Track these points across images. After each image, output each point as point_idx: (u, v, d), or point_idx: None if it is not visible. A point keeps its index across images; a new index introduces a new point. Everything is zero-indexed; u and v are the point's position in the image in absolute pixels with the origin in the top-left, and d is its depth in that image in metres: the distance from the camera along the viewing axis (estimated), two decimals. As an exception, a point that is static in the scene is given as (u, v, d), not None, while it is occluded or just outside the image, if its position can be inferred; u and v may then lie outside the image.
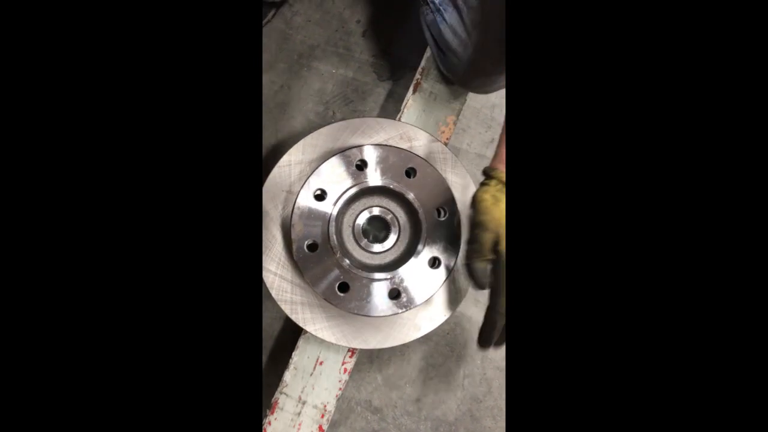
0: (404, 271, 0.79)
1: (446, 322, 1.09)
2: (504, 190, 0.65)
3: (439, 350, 1.07)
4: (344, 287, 0.78)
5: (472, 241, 0.66)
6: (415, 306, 0.79)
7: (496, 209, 0.64)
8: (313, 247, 0.78)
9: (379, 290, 0.78)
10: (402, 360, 1.06)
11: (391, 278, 0.79)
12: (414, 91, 0.96)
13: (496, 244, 0.65)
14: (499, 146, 0.68)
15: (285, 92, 1.05)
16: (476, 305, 1.07)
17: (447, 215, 0.80)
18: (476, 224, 0.66)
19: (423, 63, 0.96)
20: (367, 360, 1.04)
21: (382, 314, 0.78)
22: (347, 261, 0.78)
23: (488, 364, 1.08)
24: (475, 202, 0.67)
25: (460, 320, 1.08)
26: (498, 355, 1.08)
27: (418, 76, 0.96)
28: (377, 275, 0.78)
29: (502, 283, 0.64)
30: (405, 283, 0.79)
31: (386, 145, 0.81)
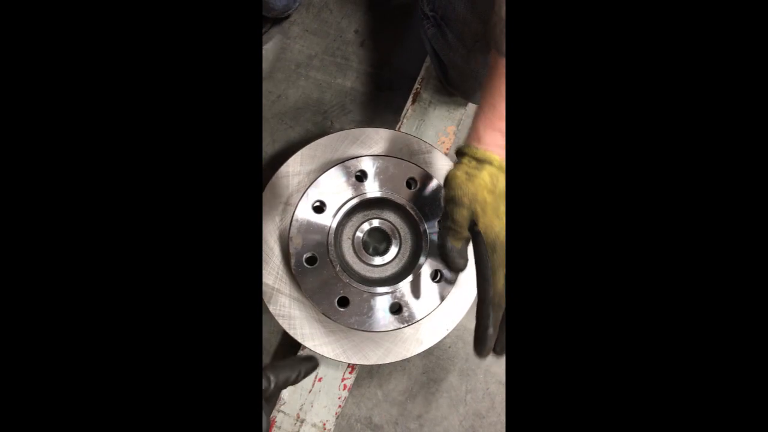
0: (405, 285, 0.77)
1: (448, 335, 1.07)
2: (479, 167, 0.57)
3: (441, 364, 1.05)
4: (344, 302, 0.76)
5: (445, 218, 0.60)
6: (417, 321, 0.77)
7: (471, 184, 0.57)
8: (312, 260, 0.76)
9: (380, 305, 0.76)
10: (403, 375, 1.03)
11: (392, 292, 0.77)
12: (413, 101, 0.94)
13: (473, 223, 0.58)
14: (472, 124, 0.61)
15: (282, 102, 1.04)
16: (478, 318, 1.05)
17: (449, 227, 0.78)
18: (449, 200, 0.59)
19: (422, 73, 0.95)
20: (367, 375, 1.01)
21: (383, 329, 0.76)
22: (347, 275, 0.75)
23: (491, 379, 1.06)
24: (447, 179, 0.60)
25: (462, 333, 1.05)
26: (501, 369, 1.06)
27: (417, 85, 0.95)
28: (378, 289, 0.76)
29: (490, 266, 0.57)
30: (406, 297, 0.77)
31: (386, 156, 0.79)
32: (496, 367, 1.06)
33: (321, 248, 0.76)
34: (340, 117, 1.04)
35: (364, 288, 0.75)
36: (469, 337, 1.08)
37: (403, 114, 0.94)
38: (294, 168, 0.82)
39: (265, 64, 1.05)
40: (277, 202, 0.82)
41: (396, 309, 0.77)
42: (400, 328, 0.77)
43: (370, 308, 0.76)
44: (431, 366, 1.04)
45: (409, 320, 0.77)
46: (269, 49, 1.06)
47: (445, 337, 1.05)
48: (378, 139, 0.83)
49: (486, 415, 1.05)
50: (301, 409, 0.86)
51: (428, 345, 0.83)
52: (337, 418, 0.87)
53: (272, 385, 0.53)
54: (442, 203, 0.62)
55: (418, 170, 0.78)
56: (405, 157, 0.82)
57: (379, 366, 1.02)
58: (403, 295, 0.77)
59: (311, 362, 0.58)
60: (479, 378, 1.06)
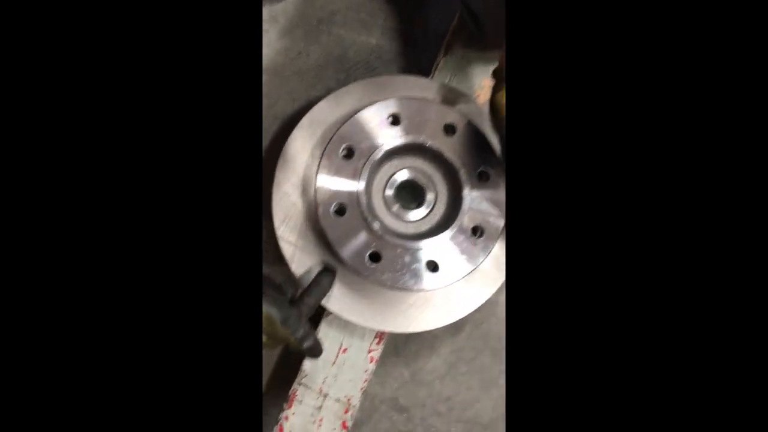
0: (443, 241, 0.69)
1: (478, 311, 0.99)
2: None
3: (471, 343, 0.97)
4: (376, 257, 0.68)
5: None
6: (456, 280, 0.70)
7: None
8: (340, 210, 0.69)
9: (415, 261, 0.69)
10: (431, 353, 0.95)
11: (428, 248, 0.69)
12: (446, 53, 0.88)
13: None
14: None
15: (303, 59, 0.97)
16: (511, 293, 0.97)
17: (491, 179, 0.71)
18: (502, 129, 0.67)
19: (455, 22, 0.89)
20: (393, 353, 0.93)
21: (418, 288, 0.69)
22: (379, 227, 0.68)
23: (526, 359, 0.98)
24: (494, 106, 0.66)
25: (495, 310, 0.97)
26: (536, 348, 0.98)
27: (449, 37, 0.88)
28: (413, 244, 0.69)
29: None
30: (444, 255, 0.69)
31: (422, 99, 0.72)
32: (531, 346, 0.98)
33: (350, 198, 0.69)
34: (364, 74, 0.98)
35: (399, 242, 0.68)
36: (503, 314, 1.00)
37: (434, 66, 0.87)
38: (320, 115, 0.75)
39: (286, 20, 0.99)
40: (300, 152, 0.75)
41: (432, 267, 0.69)
42: (436, 289, 0.69)
43: (404, 265, 0.68)
44: (461, 344, 0.96)
45: (447, 280, 0.69)
46: (290, 3, 1.00)
47: (477, 313, 0.97)
48: (412, 86, 0.77)
49: (521, 399, 0.97)
50: (324, 383, 0.78)
51: (464, 313, 0.76)
52: (363, 394, 0.80)
53: (309, 307, 0.62)
54: (495, 131, 0.66)
55: (456, 116, 0.71)
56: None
57: (405, 343, 0.94)
58: (439, 252, 0.69)
59: (330, 274, 0.66)
60: (513, 358, 0.97)
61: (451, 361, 0.96)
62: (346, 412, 0.79)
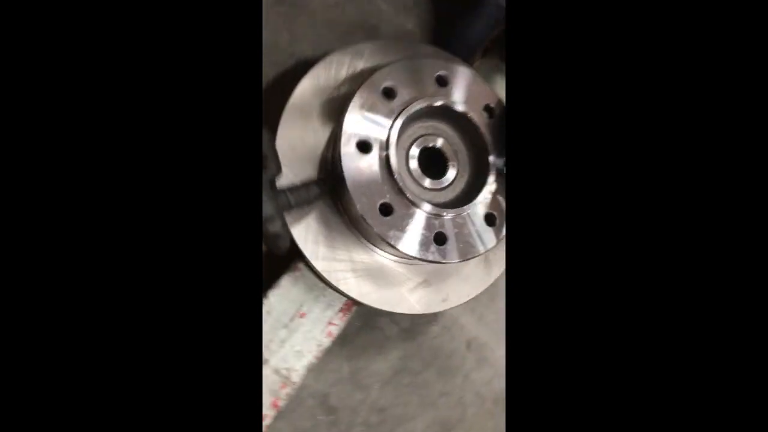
0: (455, 217, 0.64)
1: (436, 323, 0.93)
2: None
3: (421, 355, 0.89)
4: (387, 209, 0.61)
5: None
6: (457, 261, 0.64)
7: None
8: (365, 146, 0.61)
9: (424, 227, 0.62)
10: (378, 354, 0.86)
11: (439, 219, 0.63)
12: (483, 55, 0.88)
13: None
14: None
15: (337, 11, 0.92)
16: (472, 314, 0.93)
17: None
18: None
19: (497, 32, 0.90)
20: (338, 343, 0.82)
21: (420, 256, 0.62)
22: (400, 176, 0.61)
23: (468, 387, 0.92)
24: None
25: (451, 327, 0.92)
26: (480, 379, 0.93)
27: (488, 44, 0.90)
28: (427, 209, 0.62)
29: None
30: (452, 231, 0.64)
31: (473, 72, 0.70)
32: (476, 374, 0.92)
33: (378, 138, 0.62)
34: (392, 51, 0.95)
35: (415, 201, 0.61)
36: (458, 332, 0.94)
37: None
38: (364, 52, 0.70)
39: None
40: (331, 78, 0.68)
41: (438, 240, 0.63)
42: (437, 262, 0.63)
43: (413, 227, 0.61)
44: (411, 353, 0.88)
45: (448, 256, 0.63)
46: (339, -43, 0.96)
47: (433, 325, 0.91)
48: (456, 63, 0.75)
49: (454, 427, 0.89)
50: (267, 346, 0.65)
51: (452, 304, 0.70)
52: (308, 371, 0.68)
53: (286, 200, 0.58)
54: None
55: (497, 99, 0.70)
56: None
57: (356, 335, 0.84)
58: (448, 227, 0.64)
59: (320, 185, 0.61)
60: (457, 382, 0.91)
61: (397, 369, 0.87)
62: (283, 387, 0.66)
